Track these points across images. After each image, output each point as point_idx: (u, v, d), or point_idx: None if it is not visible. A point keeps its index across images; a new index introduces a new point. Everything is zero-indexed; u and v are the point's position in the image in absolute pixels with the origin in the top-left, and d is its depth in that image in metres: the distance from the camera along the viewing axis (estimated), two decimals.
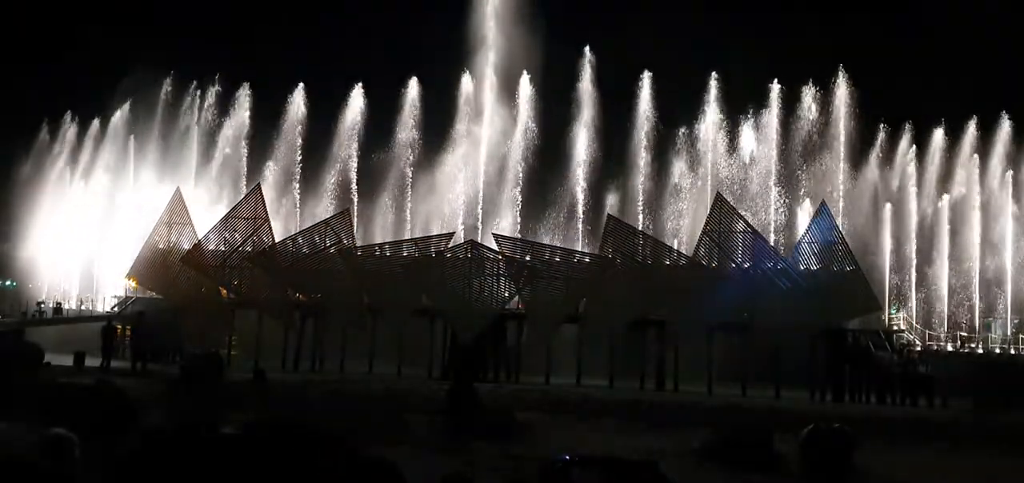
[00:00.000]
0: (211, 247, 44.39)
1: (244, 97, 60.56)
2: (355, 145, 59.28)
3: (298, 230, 49.76)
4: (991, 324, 52.99)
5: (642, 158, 57.26)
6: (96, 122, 62.45)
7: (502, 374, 41.93)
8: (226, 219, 45.42)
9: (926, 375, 39.43)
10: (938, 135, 56.93)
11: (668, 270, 42.56)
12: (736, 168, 57.45)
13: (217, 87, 61.28)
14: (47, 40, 77.56)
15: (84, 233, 58.89)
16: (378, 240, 53.31)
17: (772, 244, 48.79)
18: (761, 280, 40.92)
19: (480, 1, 58.11)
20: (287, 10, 75.80)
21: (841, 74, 56.54)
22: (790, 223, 56.03)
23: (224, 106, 60.94)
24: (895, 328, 47.93)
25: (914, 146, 56.74)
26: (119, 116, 61.89)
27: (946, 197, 55.93)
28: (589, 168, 57.40)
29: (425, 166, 58.85)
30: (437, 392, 27.27)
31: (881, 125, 56.79)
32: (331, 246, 43.70)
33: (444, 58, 58.93)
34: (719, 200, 43.04)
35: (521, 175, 57.88)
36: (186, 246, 44.79)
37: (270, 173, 59.21)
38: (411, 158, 58.83)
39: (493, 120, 58.02)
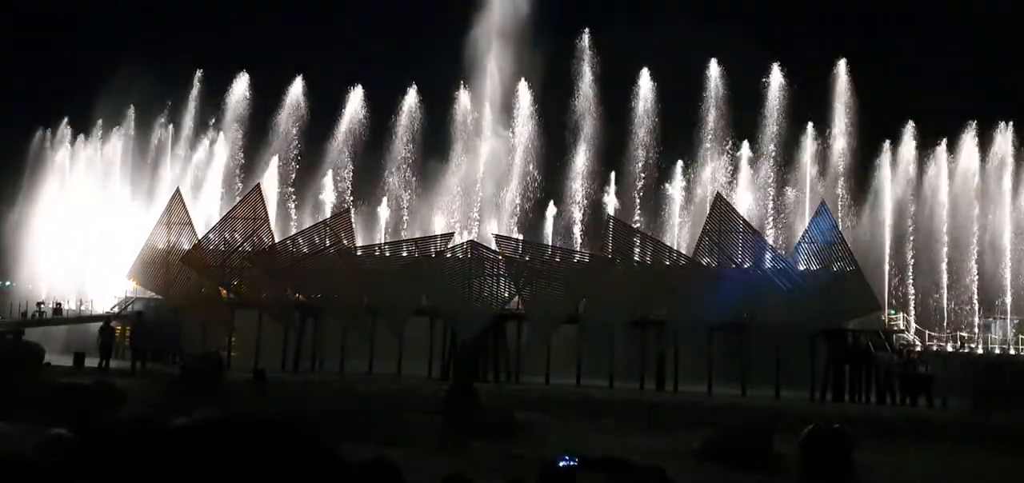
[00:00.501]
0: (211, 247, 44.40)
1: (241, 90, 60.23)
2: (352, 144, 59.09)
3: (296, 231, 49.66)
4: (991, 324, 52.87)
5: (641, 160, 57.15)
6: (99, 122, 62.34)
7: (502, 374, 41.98)
8: (226, 219, 45.44)
9: (926, 375, 39.44)
10: (939, 136, 56.89)
11: (668, 270, 42.59)
12: (735, 169, 57.32)
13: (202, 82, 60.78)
14: (47, 40, 77.75)
15: (84, 233, 58.75)
16: (378, 240, 53.28)
17: (772, 244, 48.67)
18: (761, 280, 40.95)
19: (481, 7, 58.08)
20: (287, 10, 76.05)
21: (841, 74, 56.44)
22: (790, 223, 55.93)
23: (218, 102, 60.63)
24: (895, 328, 47.89)
25: (914, 144, 56.65)
26: (119, 117, 61.77)
27: (946, 197, 55.84)
28: (588, 169, 57.31)
29: (425, 168, 58.81)
30: (437, 392, 27.28)
31: (882, 125, 56.72)
32: (331, 246, 43.71)
33: (446, 58, 58.92)
34: (719, 200, 43.04)
35: (521, 177, 57.80)
36: (186, 246, 44.82)
37: (270, 173, 59.06)
38: (410, 159, 58.74)
39: (495, 128, 57.96)
